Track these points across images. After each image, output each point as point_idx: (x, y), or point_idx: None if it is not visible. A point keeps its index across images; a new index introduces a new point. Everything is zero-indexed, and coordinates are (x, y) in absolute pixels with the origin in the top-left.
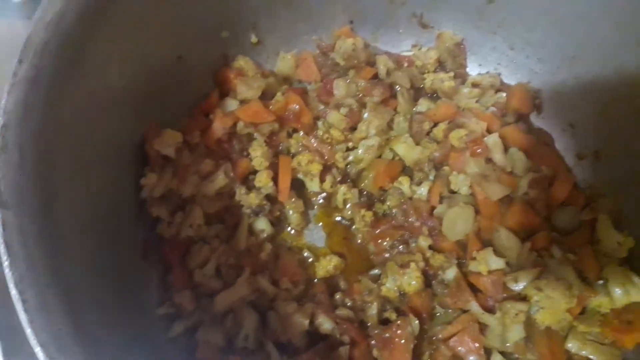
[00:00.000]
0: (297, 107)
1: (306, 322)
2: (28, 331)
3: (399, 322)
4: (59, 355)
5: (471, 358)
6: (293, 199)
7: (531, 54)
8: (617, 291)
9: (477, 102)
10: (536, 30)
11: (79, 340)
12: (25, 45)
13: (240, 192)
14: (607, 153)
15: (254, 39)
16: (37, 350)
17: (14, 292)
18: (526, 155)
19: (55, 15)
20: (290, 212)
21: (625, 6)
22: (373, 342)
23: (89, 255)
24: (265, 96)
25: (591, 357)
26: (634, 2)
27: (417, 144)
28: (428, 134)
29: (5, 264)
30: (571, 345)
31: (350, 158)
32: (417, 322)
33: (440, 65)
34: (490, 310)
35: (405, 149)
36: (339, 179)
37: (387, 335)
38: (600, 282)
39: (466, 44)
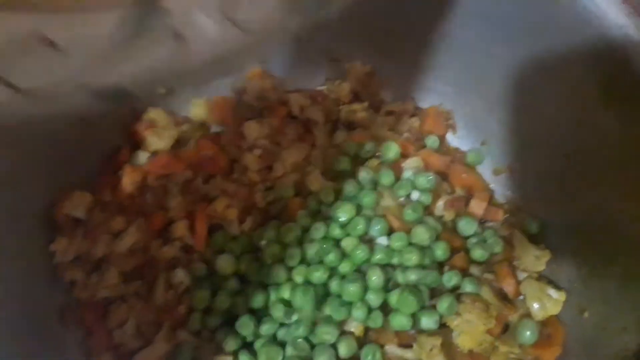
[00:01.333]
0: (211, 152)
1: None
2: None
3: None
4: None
5: None
6: None
7: (439, 77)
8: (535, 306)
9: (391, 129)
10: (438, 54)
11: None
12: None
13: (155, 246)
14: (519, 167)
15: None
16: None
17: None
18: (442, 177)
19: None
20: None
21: (514, 28)
22: None
23: (2, 328)
24: (180, 144)
25: None
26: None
27: (333, 179)
28: None
29: None
30: None
31: (270, 198)
32: None
33: (355, 96)
34: (409, 345)
35: (316, 185)
36: (259, 219)
37: None
38: (520, 297)
39: (379, 74)
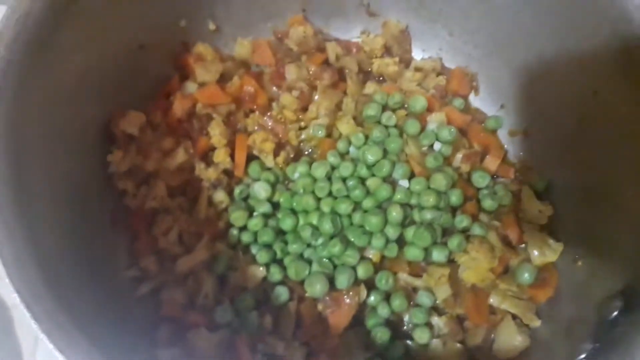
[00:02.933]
0: (252, 89)
1: (262, 269)
2: (6, 281)
3: (350, 291)
4: (33, 301)
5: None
6: None
7: (468, 40)
8: (535, 253)
9: (418, 85)
10: (471, 18)
11: (52, 293)
12: None
13: (200, 167)
14: (534, 131)
15: (212, 26)
16: (14, 296)
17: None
18: (462, 133)
19: (22, 13)
20: None
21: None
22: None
23: (61, 224)
24: (224, 79)
25: (510, 310)
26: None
27: (360, 125)
28: None
29: None
30: (493, 300)
31: (303, 137)
32: (365, 292)
33: (387, 51)
34: (418, 275)
35: (347, 129)
36: (292, 155)
37: (336, 297)
38: (522, 245)
39: (410, 31)
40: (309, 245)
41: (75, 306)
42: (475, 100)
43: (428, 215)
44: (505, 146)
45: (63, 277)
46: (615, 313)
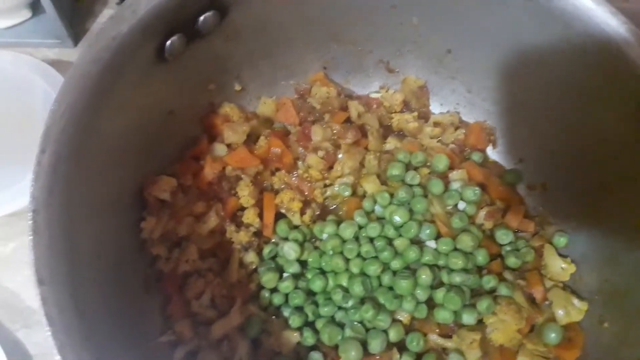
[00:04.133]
0: (279, 150)
1: (297, 335)
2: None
3: (383, 355)
4: None
5: None
6: None
7: (486, 97)
8: (560, 312)
9: (438, 140)
10: (489, 77)
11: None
12: (45, 136)
13: (231, 230)
14: (553, 186)
15: (237, 87)
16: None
17: (57, 358)
18: (482, 188)
19: (69, 105)
20: None
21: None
22: None
23: (103, 299)
24: (250, 138)
25: None
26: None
27: (384, 182)
28: None
29: (48, 334)
30: None
31: (328, 194)
32: (397, 355)
33: (406, 106)
34: (448, 336)
35: (372, 188)
36: (317, 212)
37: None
38: (546, 303)
39: (429, 86)
40: (340, 308)
41: None
42: (493, 154)
43: (457, 278)
44: (525, 200)
45: (103, 343)
46: None
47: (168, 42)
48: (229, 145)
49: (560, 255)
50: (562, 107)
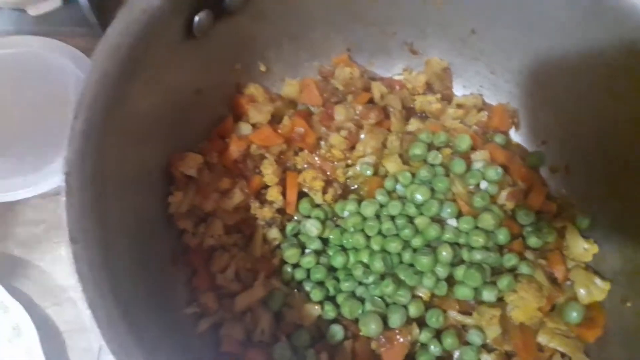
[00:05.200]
0: (302, 129)
1: (317, 308)
2: (96, 330)
3: (403, 330)
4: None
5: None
6: None
7: (510, 79)
8: (582, 291)
9: (460, 122)
10: (513, 59)
11: (131, 334)
12: (78, 103)
13: (255, 206)
14: (576, 168)
15: (262, 67)
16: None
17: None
18: (504, 169)
19: (101, 75)
20: None
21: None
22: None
23: (131, 265)
24: (274, 119)
25: (559, 348)
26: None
27: (406, 162)
28: None
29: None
30: (542, 339)
31: (350, 174)
32: (417, 330)
33: (429, 88)
34: (468, 313)
35: (394, 167)
36: (339, 192)
37: (389, 336)
38: (568, 282)
39: (452, 68)
40: (360, 283)
41: (144, 336)
42: (515, 136)
43: (478, 255)
44: (547, 182)
45: (131, 302)
46: None
47: (196, 18)
48: (253, 125)
49: (583, 236)
50: (589, 90)
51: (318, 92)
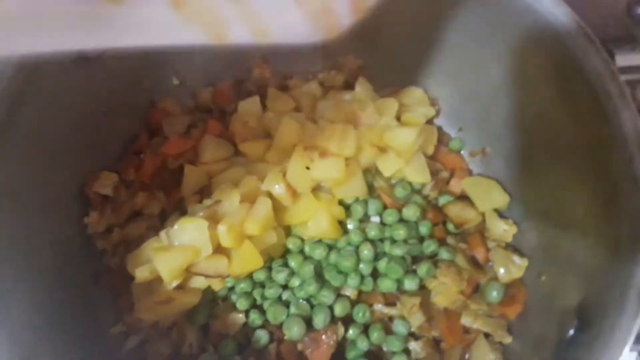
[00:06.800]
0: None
1: (242, 316)
2: None
3: (328, 330)
4: None
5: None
6: None
7: (422, 73)
8: (501, 270)
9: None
10: (425, 52)
11: None
12: None
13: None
14: (491, 151)
15: (175, 81)
16: None
17: None
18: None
19: None
20: None
21: (484, 30)
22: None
23: (40, 291)
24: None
25: (482, 329)
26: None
27: None
28: None
29: None
30: (465, 320)
31: None
32: (342, 329)
33: (347, 85)
34: (393, 304)
35: None
36: None
37: (314, 337)
38: (490, 264)
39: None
40: (285, 288)
41: None
42: (438, 121)
43: (398, 250)
44: (469, 166)
45: (40, 349)
46: (572, 331)
47: None
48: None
49: (502, 217)
50: (490, 71)
51: (233, 96)
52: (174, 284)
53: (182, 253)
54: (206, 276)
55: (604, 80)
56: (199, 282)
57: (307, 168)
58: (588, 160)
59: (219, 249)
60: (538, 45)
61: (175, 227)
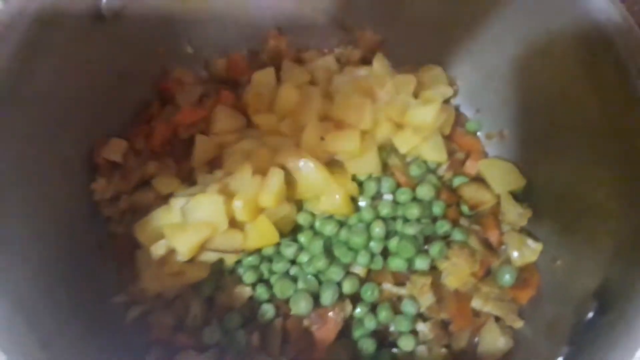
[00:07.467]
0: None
1: (248, 289)
2: None
3: (335, 307)
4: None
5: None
6: None
7: (441, 51)
8: (515, 254)
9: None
10: (443, 30)
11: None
12: None
13: None
14: (509, 133)
15: (189, 50)
16: None
17: None
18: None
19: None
20: None
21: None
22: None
23: (44, 256)
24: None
25: (492, 312)
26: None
27: None
28: None
29: None
30: (475, 303)
31: None
32: (350, 306)
33: (363, 60)
34: (402, 284)
35: None
36: None
37: (321, 314)
38: (503, 247)
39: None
40: (294, 263)
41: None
42: (455, 101)
43: (411, 229)
44: (485, 149)
45: (42, 313)
46: (591, 314)
47: None
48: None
49: (518, 200)
50: (512, 49)
51: (246, 67)
52: (188, 258)
53: (198, 230)
54: (222, 252)
55: (637, 60)
56: (209, 256)
57: (322, 139)
58: (614, 144)
59: (232, 223)
60: (566, 22)
61: (190, 202)
